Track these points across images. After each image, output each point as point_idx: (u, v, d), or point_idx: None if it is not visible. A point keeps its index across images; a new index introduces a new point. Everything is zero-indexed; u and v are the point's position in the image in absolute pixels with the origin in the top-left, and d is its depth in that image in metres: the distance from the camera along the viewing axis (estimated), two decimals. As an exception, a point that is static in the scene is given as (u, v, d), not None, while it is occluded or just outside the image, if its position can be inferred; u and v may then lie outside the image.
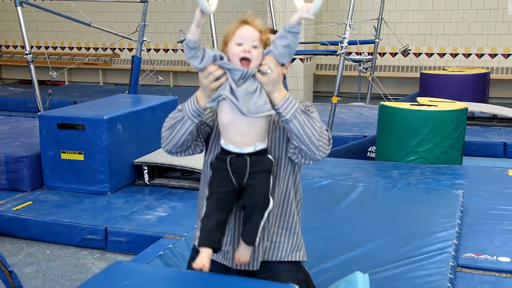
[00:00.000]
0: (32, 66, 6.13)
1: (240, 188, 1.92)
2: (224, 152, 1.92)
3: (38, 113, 4.88)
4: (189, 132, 1.98)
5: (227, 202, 1.93)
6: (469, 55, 9.78)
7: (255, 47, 1.85)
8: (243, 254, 1.94)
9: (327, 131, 2.04)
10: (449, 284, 2.70)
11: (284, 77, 2.27)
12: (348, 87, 9.84)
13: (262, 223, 1.92)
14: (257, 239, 1.92)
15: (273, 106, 1.91)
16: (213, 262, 1.96)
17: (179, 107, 2.04)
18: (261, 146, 1.91)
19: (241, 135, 1.87)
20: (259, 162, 1.89)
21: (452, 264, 2.92)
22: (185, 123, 1.98)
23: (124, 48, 11.64)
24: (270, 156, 1.93)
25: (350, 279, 2.41)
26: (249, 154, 1.89)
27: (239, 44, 1.85)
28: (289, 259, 2.12)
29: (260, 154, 1.91)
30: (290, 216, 2.11)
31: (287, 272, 2.10)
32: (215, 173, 1.93)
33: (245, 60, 1.85)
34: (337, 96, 6.53)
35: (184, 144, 2.04)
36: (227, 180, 1.90)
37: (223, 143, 1.91)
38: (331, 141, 2.04)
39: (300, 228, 2.18)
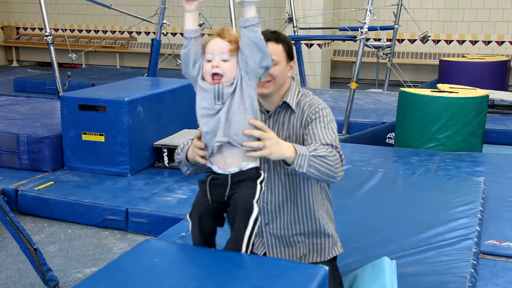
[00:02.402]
0: (52, 48, 6.16)
1: (226, 202, 1.83)
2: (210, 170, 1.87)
3: (60, 94, 4.91)
4: (194, 168, 2.10)
5: (207, 214, 1.84)
6: (489, 42, 9.67)
7: (224, 60, 1.76)
8: None
9: (338, 152, 2.06)
10: (472, 270, 2.69)
11: (292, 78, 2.29)
12: (366, 74, 9.78)
13: (247, 233, 1.77)
14: (243, 250, 1.77)
15: (287, 165, 1.98)
16: None
17: (181, 145, 2.16)
18: (249, 166, 1.81)
19: (223, 158, 1.81)
20: (242, 173, 1.81)
21: (475, 250, 2.92)
22: (186, 165, 2.11)
23: (141, 32, 11.64)
24: (258, 169, 1.84)
25: (377, 264, 2.41)
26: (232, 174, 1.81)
27: (209, 61, 1.78)
28: (327, 259, 2.29)
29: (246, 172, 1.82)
30: (317, 224, 2.27)
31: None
32: (199, 188, 1.87)
33: (216, 75, 1.77)
34: (356, 82, 6.50)
35: (198, 170, 2.14)
36: (206, 196, 1.83)
37: (208, 163, 1.86)
38: (343, 157, 2.10)
39: (332, 225, 2.36)
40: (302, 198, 2.23)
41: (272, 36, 2.13)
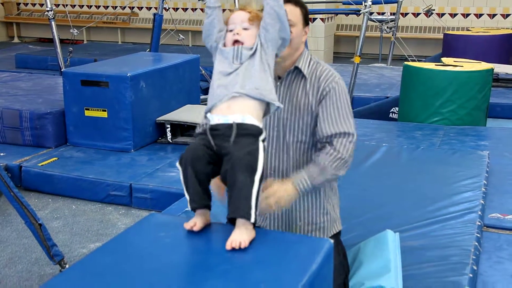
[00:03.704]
0: (53, 24, 6.11)
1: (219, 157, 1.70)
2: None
3: (62, 70, 4.89)
4: None
5: (205, 158, 1.71)
6: (494, 15, 9.57)
7: (245, 28, 1.83)
8: (237, 235, 1.63)
9: (348, 139, 2.10)
10: (476, 243, 2.70)
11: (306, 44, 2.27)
12: (369, 48, 9.70)
13: (255, 192, 1.62)
14: (252, 212, 1.62)
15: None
16: None
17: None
18: (251, 120, 1.71)
19: (228, 105, 1.73)
20: (244, 127, 1.69)
21: (479, 224, 2.92)
22: None
23: (142, 7, 11.55)
24: (261, 127, 1.73)
25: (380, 237, 2.42)
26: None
27: (231, 31, 1.84)
28: (328, 236, 2.25)
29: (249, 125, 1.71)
30: (319, 198, 2.25)
31: None
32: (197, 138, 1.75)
33: (236, 42, 1.82)
34: (359, 56, 6.44)
35: None
36: (206, 140, 1.71)
37: (209, 115, 1.74)
38: (354, 139, 2.13)
39: (336, 200, 2.35)
40: None
41: None
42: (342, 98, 2.12)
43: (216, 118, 1.72)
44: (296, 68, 2.17)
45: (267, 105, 1.79)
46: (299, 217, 2.27)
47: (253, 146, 1.67)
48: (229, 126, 1.69)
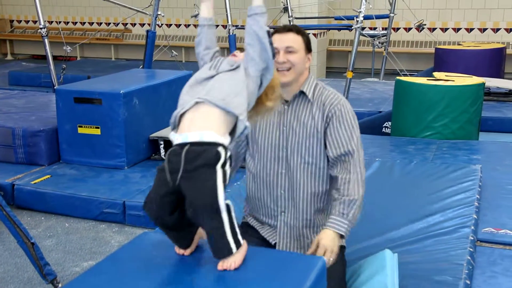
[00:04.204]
0: (46, 41, 6.12)
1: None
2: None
3: (55, 87, 4.89)
4: None
5: (168, 207, 1.63)
6: (484, 29, 9.66)
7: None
8: (226, 264, 1.61)
9: (357, 156, 2.25)
10: (469, 258, 2.70)
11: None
12: (361, 63, 9.76)
13: (227, 227, 1.56)
14: (233, 246, 1.59)
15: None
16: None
17: None
18: (211, 137, 1.57)
19: (191, 120, 1.61)
20: (199, 156, 1.54)
21: (472, 238, 2.92)
22: None
23: (136, 23, 11.59)
24: (219, 149, 1.57)
25: (378, 257, 2.42)
26: (192, 144, 1.56)
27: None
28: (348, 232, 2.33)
29: (206, 145, 1.57)
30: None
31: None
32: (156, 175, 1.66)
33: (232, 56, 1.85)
34: (351, 71, 6.48)
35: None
36: (163, 181, 1.60)
37: (171, 134, 1.64)
38: (362, 158, 2.29)
39: None
40: (320, 183, 2.32)
41: (293, 27, 2.32)
42: (347, 119, 2.27)
43: (176, 137, 1.61)
44: (302, 92, 2.31)
45: (235, 123, 1.66)
46: (307, 234, 2.36)
47: (209, 182, 1.52)
48: (179, 159, 1.55)
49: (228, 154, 1.60)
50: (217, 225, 1.55)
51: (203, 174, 1.53)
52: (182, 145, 1.57)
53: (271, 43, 1.74)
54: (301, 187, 2.32)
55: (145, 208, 1.67)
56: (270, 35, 1.74)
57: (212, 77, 1.71)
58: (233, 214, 1.58)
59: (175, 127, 1.66)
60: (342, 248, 2.40)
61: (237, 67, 1.75)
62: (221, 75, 1.71)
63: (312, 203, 2.33)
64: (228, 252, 1.59)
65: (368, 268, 2.45)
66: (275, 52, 1.79)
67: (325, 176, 2.32)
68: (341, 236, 2.18)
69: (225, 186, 1.55)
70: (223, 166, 1.56)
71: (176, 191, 1.58)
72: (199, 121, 1.60)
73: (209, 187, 1.52)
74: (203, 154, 1.54)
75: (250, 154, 2.40)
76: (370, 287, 2.27)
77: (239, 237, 1.62)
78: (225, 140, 1.61)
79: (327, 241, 2.13)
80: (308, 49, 2.32)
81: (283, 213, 2.35)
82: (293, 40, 2.26)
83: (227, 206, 1.55)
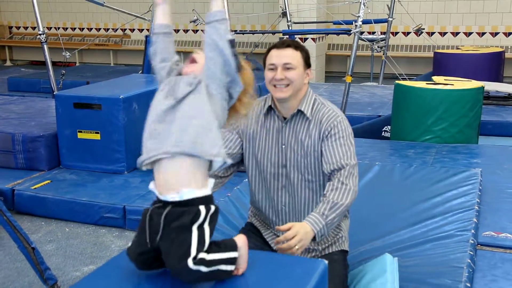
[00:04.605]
0: (45, 47, 6.13)
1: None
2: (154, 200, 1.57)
3: (54, 93, 4.90)
4: None
5: (146, 263, 1.59)
6: (483, 33, 9.68)
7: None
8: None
9: (351, 169, 2.22)
10: (470, 261, 2.70)
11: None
12: (360, 67, 9.78)
13: (208, 271, 1.50)
14: (227, 268, 1.56)
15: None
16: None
17: None
18: (192, 194, 1.47)
19: (162, 174, 1.50)
20: (178, 218, 1.47)
21: (472, 242, 2.92)
22: None
23: (134, 29, 11.61)
24: (200, 208, 1.49)
25: (379, 261, 2.42)
26: (173, 204, 1.48)
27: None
28: (339, 249, 2.39)
29: (189, 204, 1.48)
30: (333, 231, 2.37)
31: (337, 258, 2.34)
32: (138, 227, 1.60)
33: (192, 62, 1.62)
34: (351, 75, 6.49)
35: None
36: (143, 239, 1.55)
37: (151, 187, 1.57)
38: (355, 172, 2.25)
39: (346, 226, 2.51)
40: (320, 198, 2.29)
41: (291, 43, 2.26)
42: (342, 136, 2.24)
43: (156, 193, 1.53)
44: (300, 111, 2.29)
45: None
46: (310, 247, 2.36)
47: (181, 246, 1.45)
48: (158, 220, 1.49)
49: (212, 209, 1.51)
50: (201, 275, 1.49)
51: (178, 237, 1.46)
52: (164, 204, 1.50)
53: (234, 54, 1.52)
54: (303, 203, 2.33)
55: (128, 255, 1.62)
56: (233, 44, 1.52)
57: (173, 107, 1.49)
58: (210, 257, 1.49)
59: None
60: (344, 253, 2.41)
61: (198, 83, 1.53)
62: (183, 106, 1.49)
63: None
64: (229, 274, 1.57)
65: (368, 272, 2.46)
66: (240, 65, 1.57)
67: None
68: (313, 237, 2.10)
69: (204, 244, 1.48)
70: (202, 225, 1.49)
71: (154, 249, 1.55)
72: (174, 179, 1.48)
73: (182, 251, 1.46)
74: (182, 216, 1.47)
75: (251, 168, 2.39)
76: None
77: (228, 255, 1.55)
78: (206, 190, 1.51)
79: (301, 229, 2.05)
80: (307, 64, 2.29)
81: None
82: (292, 56, 2.23)
83: (201, 261, 1.47)
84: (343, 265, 2.32)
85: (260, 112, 2.36)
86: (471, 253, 2.80)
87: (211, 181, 1.55)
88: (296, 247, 2.02)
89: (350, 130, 2.29)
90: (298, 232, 2.04)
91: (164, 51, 1.66)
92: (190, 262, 1.45)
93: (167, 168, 1.49)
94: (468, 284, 2.51)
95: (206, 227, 1.50)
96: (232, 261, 1.57)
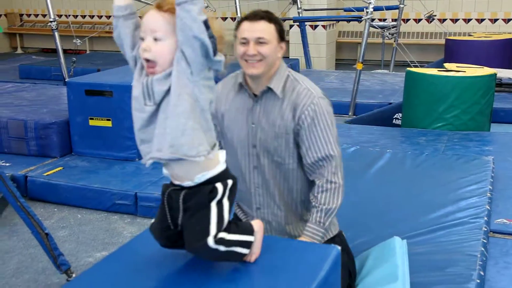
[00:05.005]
0: (56, 34, 6.15)
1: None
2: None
3: (66, 80, 4.90)
4: None
5: (169, 239, 1.61)
6: (495, 20, 9.59)
7: (157, 39, 1.40)
8: (247, 258, 1.61)
9: (334, 161, 2.13)
10: (483, 249, 2.69)
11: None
12: (371, 55, 9.72)
13: (225, 250, 1.51)
14: (242, 251, 1.57)
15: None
16: None
17: None
18: (206, 176, 1.47)
19: (171, 169, 1.49)
20: (195, 195, 1.48)
21: (485, 229, 2.91)
22: None
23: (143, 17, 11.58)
24: (217, 185, 1.49)
25: (387, 243, 2.42)
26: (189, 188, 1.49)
27: (142, 39, 1.42)
28: (328, 238, 2.24)
29: (205, 184, 1.48)
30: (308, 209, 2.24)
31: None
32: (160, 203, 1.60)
33: (148, 63, 1.41)
34: (361, 62, 6.46)
35: None
36: (164, 216, 1.57)
37: (164, 171, 1.54)
38: (339, 163, 2.15)
39: None
40: (292, 182, 2.22)
41: (264, 15, 2.10)
42: (322, 120, 2.11)
43: (171, 179, 1.53)
44: (269, 88, 2.14)
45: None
46: (290, 231, 2.28)
47: (201, 223, 1.46)
48: (178, 199, 1.51)
49: (229, 183, 1.51)
50: (218, 254, 1.51)
51: (196, 216, 1.47)
52: (182, 187, 1.50)
53: (211, 36, 1.35)
54: (274, 185, 2.21)
55: (152, 233, 1.65)
56: (208, 25, 1.35)
57: (155, 112, 1.42)
58: (230, 237, 1.51)
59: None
60: (334, 238, 2.31)
61: (169, 75, 1.39)
62: (164, 108, 1.40)
63: (288, 201, 2.24)
64: (243, 257, 1.59)
65: (377, 254, 2.45)
66: (216, 44, 1.38)
67: (298, 176, 2.20)
68: None
69: (223, 221, 1.49)
70: (220, 200, 1.49)
71: (176, 227, 1.57)
72: (181, 173, 1.47)
73: (201, 229, 1.46)
74: (199, 195, 1.47)
75: (223, 147, 2.22)
76: (380, 273, 2.27)
77: (245, 238, 1.57)
78: (219, 166, 1.50)
79: None
80: (281, 37, 2.13)
81: (258, 210, 2.26)
82: (265, 30, 2.07)
83: (221, 240, 1.48)
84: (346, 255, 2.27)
85: (231, 89, 2.22)
86: (484, 240, 2.80)
87: (222, 153, 1.53)
88: None
89: (329, 110, 2.14)
90: None
91: (128, 37, 1.48)
92: (210, 241, 1.46)
93: (170, 165, 1.48)
94: (482, 273, 2.51)
95: (226, 201, 1.50)
96: (248, 245, 1.58)
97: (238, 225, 1.58)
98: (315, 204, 2.13)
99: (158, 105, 1.41)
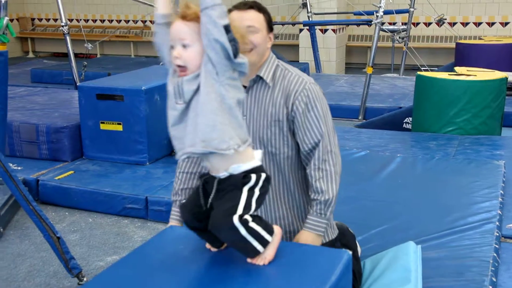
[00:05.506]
0: (68, 38, 6.19)
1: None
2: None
3: (78, 84, 4.93)
4: None
5: (198, 216, 1.67)
6: (506, 23, 9.54)
7: (185, 46, 1.53)
8: (256, 260, 1.64)
9: (330, 151, 2.10)
10: (495, 254, 2.68)
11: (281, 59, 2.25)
12: (381, 59, 9.70)
13: (245, 233, 1.55)
14: (258, 247, 1.60)
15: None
16: None
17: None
18: (241, 168, 1.56)
19: (208, 161, 1.58)
20: (229, 179, 1.56)
21: (497, 234, 2.90)
22: None
23: (154, 21, 11.63)
24: (251, 174, 1.58)
25: (402, 247, 2.41)
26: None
27: (172, 47, 1.56)
28: (325, 241, 2.21)
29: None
30: (296, 208, 2.21)
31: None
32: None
33: (180, 68, 1.54)
34: (371, 66, 6.46)
35: None
36: (197, 195, 1.65)
37: (203, 164, 1.65)
38: (333, 147, 2.12)
39: None
40: (289, 174, 2.17)
41: (253, 4, 2.10)
42: (315, 106, 2.10)
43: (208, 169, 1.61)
44: (259, 77, 2.12)
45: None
46: (288, 224, 2.21)
47: (230, 203, 1.54)
48: (213, 182, 1.59)
49: (263, 176, 1.58)
50: (237, 238, 1.56)
51: (228, 194, 1.56)
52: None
53: (231, 39, 1.48)
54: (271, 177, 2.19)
55: (180, 209, 1.73)
56: (228, 29, 1.47)
57: (186, 109, 1.54)
58: (252, 224, 1.56)
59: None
60: (333, 242, 2.28)
61: (198, 76, 1.52)
62: (194, 106, 1.52)
63: (285, 193, 2.19)
64: (255, 253, 1.61)
65: (391, 257, 2.44)
66: (237, 47, 1.50)
67: (294, 165, 2.16)
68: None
69: (250, 207, 1.55)
70: (253, 188, 1.56)
71: (207, 208, 1.63)
72: (217, 165, 1.56)
73: (229, 207, 1.54)
74: (233, 178, 1.56)
75: None
76: (393, 276, 2.26)
77: (264, 233, 1.59)
78: (254, 161, 1.58)
79: (307, 240, 2.05)
80: (270, 27, 2.12)
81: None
82: (255, 18, 2.06)
83: (245, 221, 1.54)
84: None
85: None
86: (496, 246, 2.78)
87: (258, 152, 1.61)
88: None
89: (321, 95, 2.12)
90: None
91: (167, 42, 1.60)
92: (235, 219, 1.52)
93: (208, 158, 1.56)
94: (494, 279, 2.49)
95: (257, 191, 1.57)
96: (264, 242, 1.60)
97: (261, 219, 1.61)
98: (314, 196, 2.10)
99: (188, 104, 1.53)
